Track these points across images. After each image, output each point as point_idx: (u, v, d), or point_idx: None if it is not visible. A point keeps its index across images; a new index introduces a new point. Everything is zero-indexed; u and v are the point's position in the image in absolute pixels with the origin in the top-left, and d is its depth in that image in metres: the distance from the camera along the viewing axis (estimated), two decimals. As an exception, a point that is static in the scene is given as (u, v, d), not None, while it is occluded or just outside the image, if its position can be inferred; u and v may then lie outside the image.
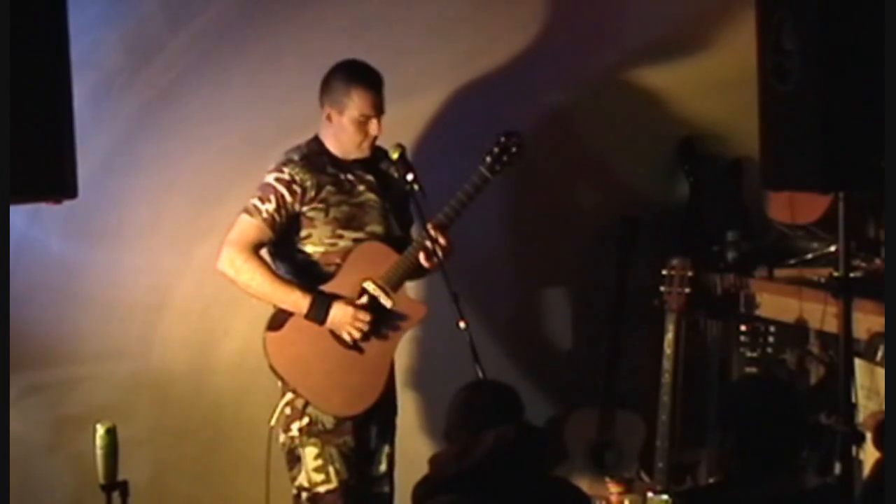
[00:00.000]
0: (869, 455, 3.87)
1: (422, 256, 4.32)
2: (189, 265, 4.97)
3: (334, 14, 4.98)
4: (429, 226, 4.28)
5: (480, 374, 4.06)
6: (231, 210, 4.71)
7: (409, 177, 4.32)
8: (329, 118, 4.35)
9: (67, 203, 3.55)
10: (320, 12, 4.97)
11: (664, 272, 4.89)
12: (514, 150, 4.39)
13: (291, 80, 4.93)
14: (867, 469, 3.89)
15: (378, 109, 4.33)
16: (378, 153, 4.41)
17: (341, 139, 4.36)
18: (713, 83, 5.26)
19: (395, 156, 4.35)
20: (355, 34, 4.90)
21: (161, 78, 4.89)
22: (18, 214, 4.52)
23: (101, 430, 3.63)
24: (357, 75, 4.33)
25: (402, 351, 4.53)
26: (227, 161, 4.94)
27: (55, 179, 3.47)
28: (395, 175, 4.38)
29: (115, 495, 3.63)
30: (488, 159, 4.38)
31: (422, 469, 3.37)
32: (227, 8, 4.92)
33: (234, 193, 4.81)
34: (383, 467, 4.49)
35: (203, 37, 4.90)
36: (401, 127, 4.52)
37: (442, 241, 4.29)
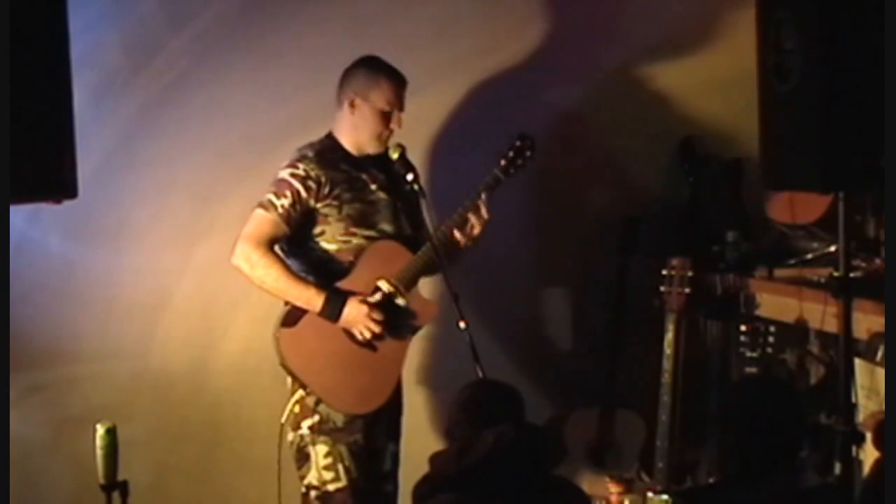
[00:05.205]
0: (869, 455, 3.87)
1: (456, 231, 4.35)
2: (189, 265, 4.97)
3: (335, 13, 4.98)
4: (479, 199, 4.34)
5: (480, 374, 4.07)
6: (231, 210, 4.73)
7: (409, 177, 4.33)
8: (352, 105, 4.36)
9: (67, 203, 3.55)
10: (321, 11, 4.97)
11: (664, 272, 4.89)
12: (527, 153, 4.43)
13: (292, 79, 4.94)
14: (867, 469, 3.89)
15: (401, 104, 4.37)
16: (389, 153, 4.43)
17: (360, 129, 4.38)
18: (713, 83, 5.26)
19: (394, 155, 4.36)
20: (356, 33, 4.91)
21: (161, 78, 4.89)
22: (18, 214, 4.52)
23: (101, 430, 3.63)
24: (386, 67, 4.39)
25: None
26: (227, 161, 4.94)
27: (55, 179, 3.48)
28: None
29: (115, 495, 3.62)
30: (503, 162, 4.42)
31: (424, 468, 3.37)
32: (227, 7, 4.92)
33: (235, 193, 4.83)
34: (389, 465, 4.50)
35: (203, 37, 4.90)
36: (402, 126, 4.51)
37: (486, 214, 4.34)
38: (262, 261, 4.27)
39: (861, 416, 4.16)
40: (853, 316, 3.97)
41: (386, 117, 4.36)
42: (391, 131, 4.37)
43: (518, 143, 4.43)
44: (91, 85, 4.67)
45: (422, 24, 5.05)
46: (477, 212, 4.36)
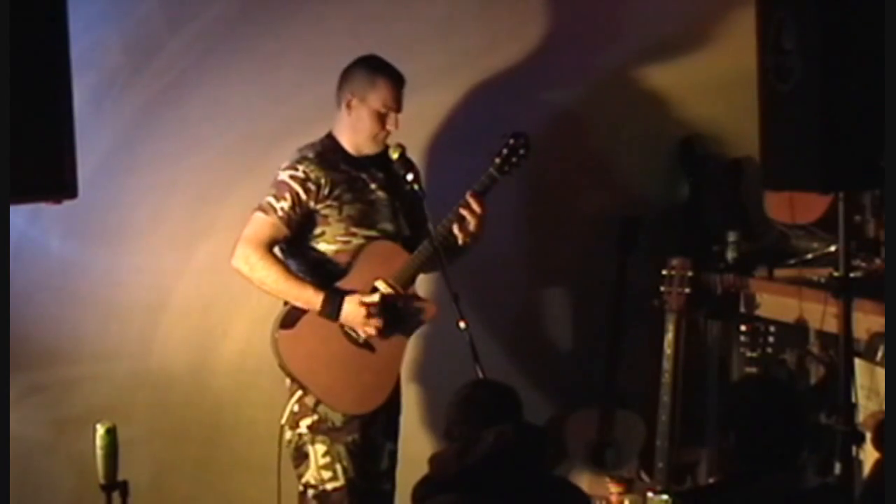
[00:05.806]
0: (869, 455, 3.87)
1: (455, 227, 4.35)
2: (189, 265, 4.97)
3: (335, 13, 4.98)
4: (468, 194, 4.34)
5: (480, 374, 4.07)
6: (231, 210, 4.73)
7: (409, 177, 4.34)
8: (349, 106, 4.36)
9: (67, 203, 3.55)
10: (321, 11, 4.97)
11: (664, 272, 4.90)
12: (521, 151, 4.42)
13: (292, 79, 4.94)
14: (867, 469, 3.89)
15: (398, 104, 4.36)
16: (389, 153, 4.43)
17: (357, 130, 4.38)
18: (713, 83, 5.26)
19: (394, 155, 4.37)
20: (356, 33, 4.90)
21: (161, 78, 4.89)
22: (18, 214, 4.51)
23: (101, 430, 3.63)
24: (384, 67, 4.38)
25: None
26: (227, 161, 4.94)
27: (55, 179, 3.48)
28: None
29: (115, 495, 3.63)
30: (497, 160, 4.41)
31: (422, 468, 3.37)
32: (227, 7, 4.92)
33: (235, 193, 4.83)
34: (386, 464, 4.50)
35: (203, 37, 4.90)
36: (401, 126, 4.51)
37: (477, 208, 4.33)
38: (261, 263, 4.28)
39: (861, 416, 4.16)
40: (853, 316, 3.97)
41: (382, 118, 4.36)
42: (388, 132, 4.38)
43: (512, 142, 4.42)
44: (91, 85, 4.66)
45: (422, 24, 5.05)
46: (468, 207, 4.36)
